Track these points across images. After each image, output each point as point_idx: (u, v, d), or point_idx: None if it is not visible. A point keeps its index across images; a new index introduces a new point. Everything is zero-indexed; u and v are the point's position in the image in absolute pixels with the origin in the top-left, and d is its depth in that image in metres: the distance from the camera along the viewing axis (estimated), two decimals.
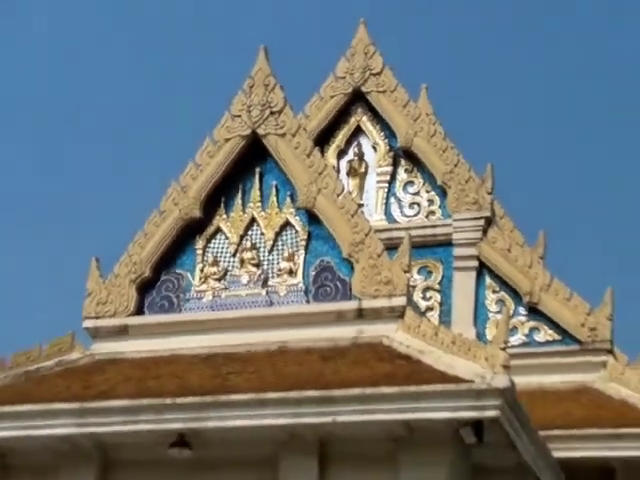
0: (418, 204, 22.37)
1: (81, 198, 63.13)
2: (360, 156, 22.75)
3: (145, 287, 18.44)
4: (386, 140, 22.75)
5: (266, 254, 18.02)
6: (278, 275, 17.84)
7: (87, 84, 68.01)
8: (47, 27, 69.85)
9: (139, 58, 69.80)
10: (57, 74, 68.66)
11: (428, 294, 21.56)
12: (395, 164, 22.63)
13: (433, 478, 14.89)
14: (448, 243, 21.79)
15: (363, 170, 22.65)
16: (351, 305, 17.11)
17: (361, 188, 22.30)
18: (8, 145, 68.73)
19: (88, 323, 18.37)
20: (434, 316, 20.41)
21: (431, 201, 22.31)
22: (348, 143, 22.92)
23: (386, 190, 22.49)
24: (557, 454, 16.70)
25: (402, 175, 22.59)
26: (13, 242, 63.80)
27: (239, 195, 18.52)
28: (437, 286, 21.72)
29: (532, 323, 20.85)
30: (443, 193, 22.20)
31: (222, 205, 18.55)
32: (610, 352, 20.15)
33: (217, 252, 18.34)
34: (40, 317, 50.90)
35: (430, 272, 21.70)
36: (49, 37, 70.52)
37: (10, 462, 17.00)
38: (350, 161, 22.71)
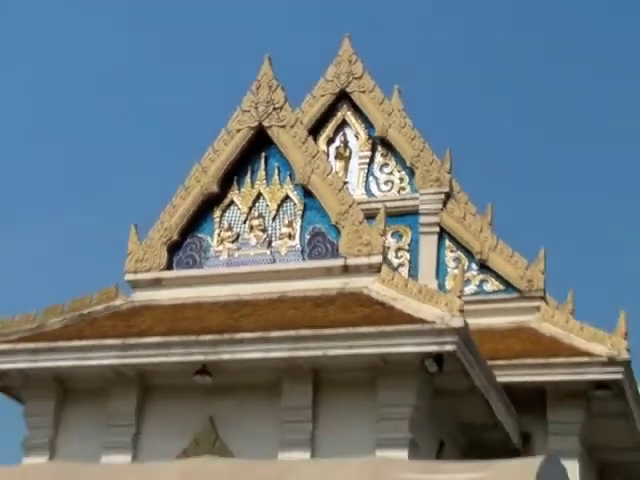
0: (391, 182, 22.34)
1: (126, 177, 63.49)
2: (345, 143, 22.69)
3: (173, 248, 18.48)
4: (366, 130, 22.68)
5: (270, 222, 18.07)
6: (280, 238, 17.89)
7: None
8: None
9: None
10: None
11: (399, 254, 21.54)
12: (373, 150, 22.58)
13: (403, 399, 15.10)
14: (415, 213, 21.77)
15: (347, 154, 22.58)
16: (338, 262, 17.20)
17: (346, 169, 22.23)
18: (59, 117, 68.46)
19: (129, 277, 18.46)
20: (404, 271, 20.41)
21: (402, 179, 22.27)
22: (335, 133, 22.81)
23: (366, 171, 22.46)
24: (500, 379, 16.83)
25: (379, 159, 22.56)
26: (71, 209, 63.98)
27: (248, 174, 18.52)
28: (406, 247, 21.67)
29: (482, 276, 20.92)
30: (411, 173, 22.19)
31: (235, 182, 18.56)
32: (543, 299, 20.23)
33: (231, 220, 18.36)
34: (90, 272, 50.91)
35: (401, 236, 21.67)
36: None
37: (69, 386, 17.18)
38: (337, 147, 22.60)
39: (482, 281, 20.93)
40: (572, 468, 15.99)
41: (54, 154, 69.09)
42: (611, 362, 17.63)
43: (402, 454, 14.67)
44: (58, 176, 67.52)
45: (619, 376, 17.64)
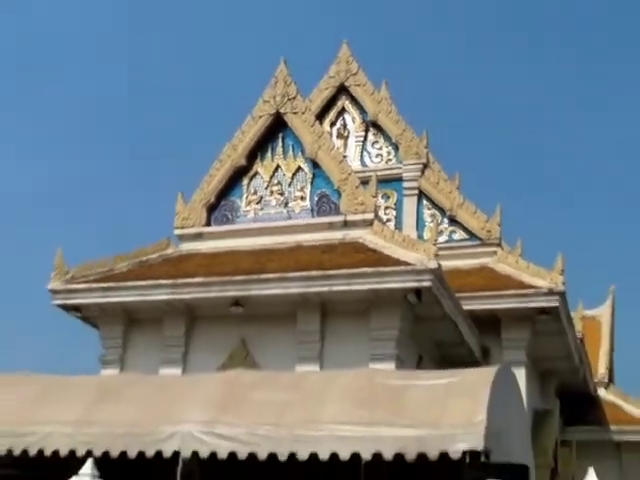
0: (381, 155, 22.34)
1: (175, 157, 64.01)
2: (344, 126, 22.68)
3: (211, 209, 18.50)
4: (360, 116, 22.66)
5: (286, 187, 18.06)
6: (294, 200, 17.90)
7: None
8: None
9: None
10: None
11: (387, 211, 21.56)
12: (366, 131, 22.58)
13: (390, 324, 15.28)
14: (399, 179, 21.81)
15: (346, 135, 22.56)
16: (339, 218, 17.23)
17: (345, 146, 22.19)
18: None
19: (177, 231, 18.51)
20: (391, 225, 20.39)
21: (389, 153, 22.27)
22: (337, 118, 22.79)
23: (361, 147, 22.46)
24: (466, 307, 16.97)
25: (370, 137, 22.53)
26: (136, 181, 64.54)
27: (269, 151, 18.47)
28: (393, 206, 21.70)
29: (451, 228, 20.94)
30: (396, 148, 22.20)
31: (258, 157, 18.51)
32: (499, 245, 20.33)
33: (256, 186, 18.34)
34: (146, 228, 51.19)
35: (388, 197, 21.69)
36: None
37: (134, 316, 17.36)
38: (338, 129, 22.59)
39: (452, 232, 20.95)
40: (520, 374, 16.17)
41: (122, 138, 69.50)
42: (550, 293, 17.79)
43: (390, 366, 14.85)
44: (138, 156, 68.41)
45: (556, 304, 17.82)
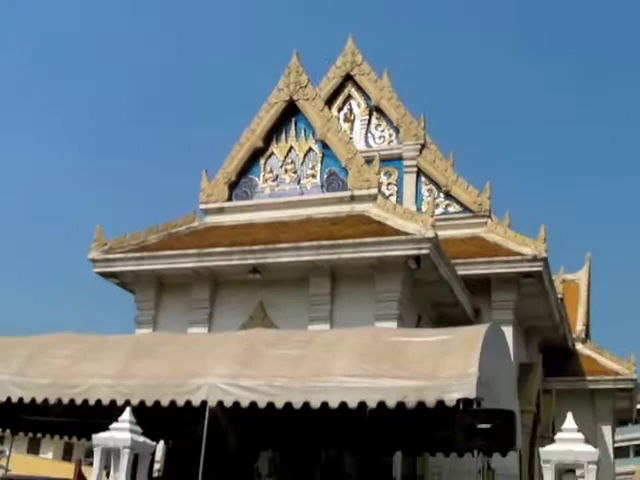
0: (383, 137, 22.17)
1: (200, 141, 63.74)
2: (350, 110, 22.52)
3: (232, 185, 18.48)
4: (365, 102, 22.49)
5: (299, 166, 18.01)
6: (306, 177, 17.85)
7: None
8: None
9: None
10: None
11: (390, 187, 21.46)
12: (370, 115, 22.40)
13: (393, 287, 15.30)
14: (400, 158, 21.69)
15: (352, 118, 22.42)
16: (347, 194, 17.21)
17: (351, 128, 22.04)
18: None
19: (202, 206, 18.53)
20: (393, 199, 20.32)
21: (390, 135, 22.11)
22: (344, 103, 22.62)
23: (365, 129, 22.30)
24: (460, 272, 17.00)
25: (374, 121, 22.36)
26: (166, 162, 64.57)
27: (283, 133, 18.41)
28: (394, 182, 21.58)
29: (447, 202, 20.84)
30: (397, 130, 22.05)
31: (274, 139, 18.45)
32: (489, 217, 20.26)
33: (272, 165, 18.31)
34: (173, 204, 51.54)
35: (390, 175, 21.55)
36: None
37: (164, 282, 17.43)
38: (345, 113, 22.42)
39: (447, 205, 20.86)
40: (508, 332, 16.13)
41: (163, 122, 69.55)
42: (534, 259, 17.79)
43: (392, 325, 14.90)
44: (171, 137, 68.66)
45: (540, 268, 17.84)
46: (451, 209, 20.82)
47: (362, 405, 10.36)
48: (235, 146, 18.66)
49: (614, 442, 24.27)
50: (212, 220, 18.29)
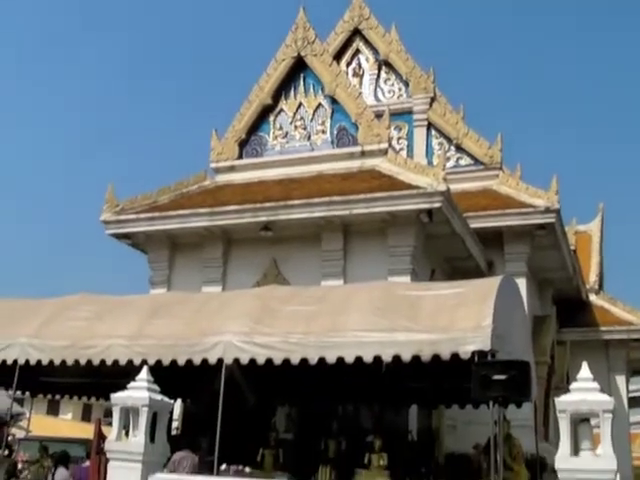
0: (393, 91, 21.98)
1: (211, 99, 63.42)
2: (359, 65, 22.32)
3: (242, 144, 18.42)
4: (374, 56, 22.27)
5: (309, 122, 17.94)
6: (316, 134, 17.77)
7: None
8: None
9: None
10: None
11: (400, 141, 21.33)
12: (379, 69, 22.20)
13: (405, 241, 15.27)
14: (410, 112, 21.53)
15: (361, 73, 22.22)
16: (357, 149, 17.13)
17: (360, 83, 21.86)
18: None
19: (212, 165, 18.50)
20: (404, 153, 20.25)
21: (400, 89, 21.93)
22: (352, 58, 22.43)
23: (374, 84, 22.11)
24: (473, 225, 16.95)
25: (383, 75, 22.17)
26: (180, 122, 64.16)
27: (292, 90, 18.30)
28: (405, 137, 21.45)
29: (458, 155, 20.70)
30: (406, 84, 21.86)
31: (283, 96, 18.35)
32: (500, 169, 20.14)
33: (281, 122, 18.23)
34: (185, 163, 51.59)
35: (401, 129, 21.41)
36: None
37: (177, 241, 17.50)
38: (353, 68, 22.22)
39: (458, 158, 20.73)
40: (521, 284, 16.13)
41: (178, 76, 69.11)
42: (547, 211, 17.72)
43: (406, 279, 14.91)
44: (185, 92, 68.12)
45: (552, 220, 17.77)
46: (462, 162, 20.67)
47: (377, 359, 10.40)
48: (244, 104, 18.54)
49: (628, 392, 24.33)
50: (223, 179, 18.25)
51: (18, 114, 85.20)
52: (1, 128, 78.44)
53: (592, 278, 25.10)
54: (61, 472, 11.88)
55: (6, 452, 13.88)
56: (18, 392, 14.82)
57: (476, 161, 20.49)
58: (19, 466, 14.00)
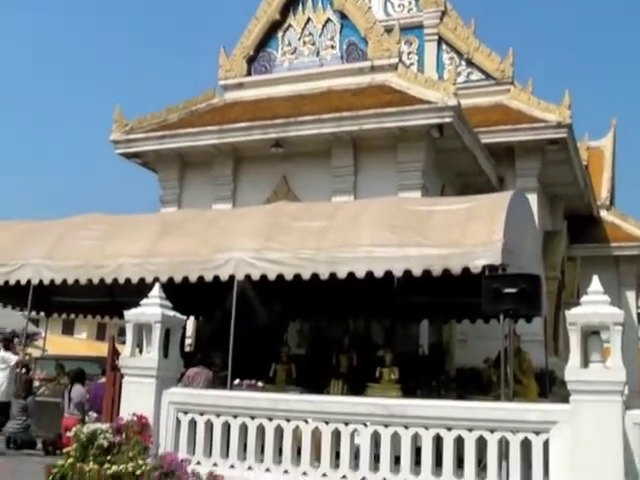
0: (402, 4, 21.24)
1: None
2: None
3: (251, 60, 18.13)
4: None
5: (318, 37, 17.58)
6: (325, 49, 17.43)
7: None
8: None
9: None
10: None
11: (410, 56, 20.76)
12: None
13: (416, 156, 15.10)
14: (420, 26, 20.93)
15: None
16: (367, 64, 16.81)
17: None
18: None
19: (221, 82, 18.22)
20: (414, 68, 19.81)
21: (410, 3, 21.18)
22: None
23: None
24: (484, 141, 16.72)
25: None
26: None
27: (300, 5, 17.86)
28: (415, 51, 20.91)
29: (469, 70, 20.17)
30: None
31: (291, 11, 17.94)
32: (512, 84, 19.66)
33: (290, 38, 17.88)
34: (193, 80, 50.89)
35: (411, 43, 20.83)
36: None
37: (187, 159, 17.36)
38: None
39: (469, 73, 20.22)
40: (532, 199, 15.99)
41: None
42: (559, 125, 17.44)
43: (416, 194, 14.81)
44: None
45: (564, 135, 17.50)
46: (473, 77, 20.21)
47: (388, 274, 10.39)
48: (252, 20, 18.17)
49: (638, 308, 24.43)
50: (232, 96, 18.01)
51: (17, 34, 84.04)
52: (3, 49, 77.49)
53: (603, 194, 24.91)
54: (77, 389, 12.04)
55: (24, 370, 14.08)
56: (33, 312, 15.00)
57: (487, 76, 20.01)
58: (36, 384, 14.25)
